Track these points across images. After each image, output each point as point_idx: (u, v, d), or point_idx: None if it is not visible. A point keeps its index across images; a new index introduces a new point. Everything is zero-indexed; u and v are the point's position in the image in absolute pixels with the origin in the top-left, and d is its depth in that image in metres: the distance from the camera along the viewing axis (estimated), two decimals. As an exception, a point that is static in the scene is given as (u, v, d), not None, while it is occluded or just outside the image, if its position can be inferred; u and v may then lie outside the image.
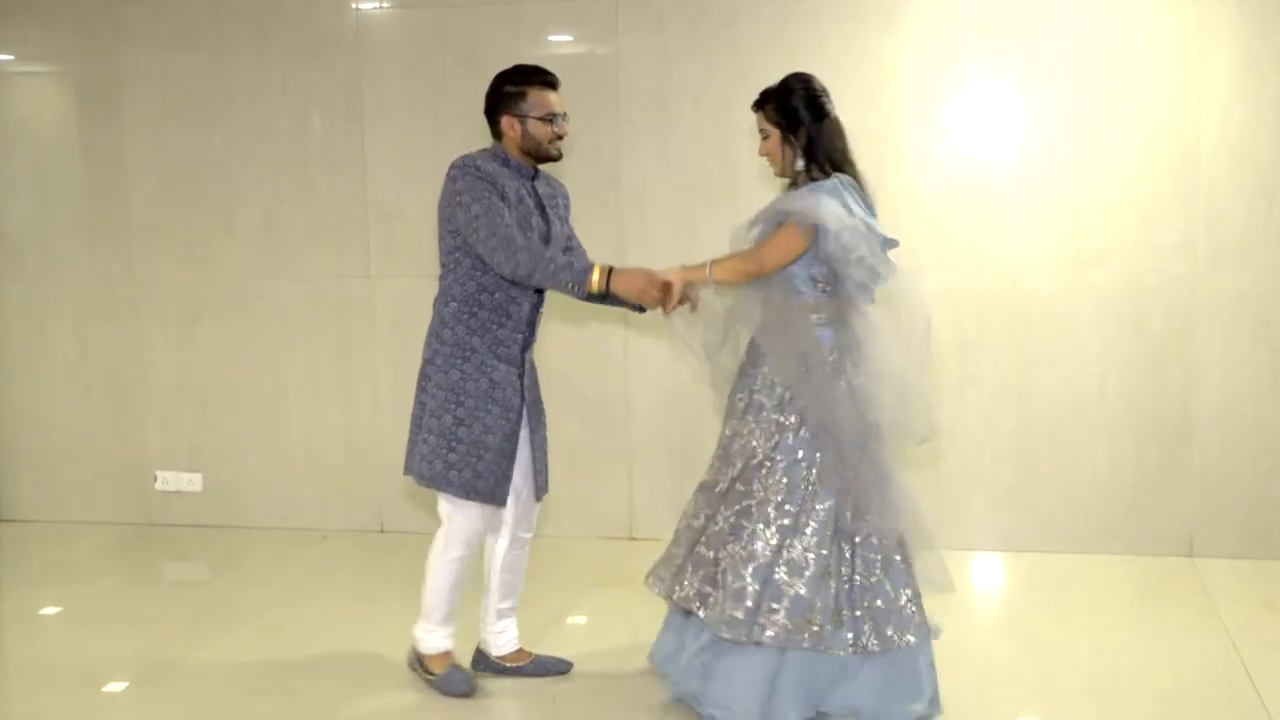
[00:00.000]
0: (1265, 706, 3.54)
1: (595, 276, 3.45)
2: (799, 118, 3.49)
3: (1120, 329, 4.94)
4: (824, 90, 3.52)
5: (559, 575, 4.89)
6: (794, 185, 3.53)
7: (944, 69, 4.97)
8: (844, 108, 4.95)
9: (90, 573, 5.15)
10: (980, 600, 4.72)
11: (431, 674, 3.79)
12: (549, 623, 4.31)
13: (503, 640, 3.87)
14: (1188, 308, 4.88)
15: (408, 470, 3.72)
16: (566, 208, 3.81)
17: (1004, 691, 3.73)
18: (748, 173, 5.11)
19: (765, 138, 3.55)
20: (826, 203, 3.37)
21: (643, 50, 5.15)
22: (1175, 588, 4.62)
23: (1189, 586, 4.63)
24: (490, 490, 3.64)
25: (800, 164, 3.51)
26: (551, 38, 5.25)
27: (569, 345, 5.34)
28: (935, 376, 5.04)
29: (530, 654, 3.90)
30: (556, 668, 3.88)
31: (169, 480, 5.75)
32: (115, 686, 3.89)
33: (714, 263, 3.49)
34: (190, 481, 5.73)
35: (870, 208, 3.52)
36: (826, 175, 3.49)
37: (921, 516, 3.48)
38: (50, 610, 4.65)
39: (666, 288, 3.48)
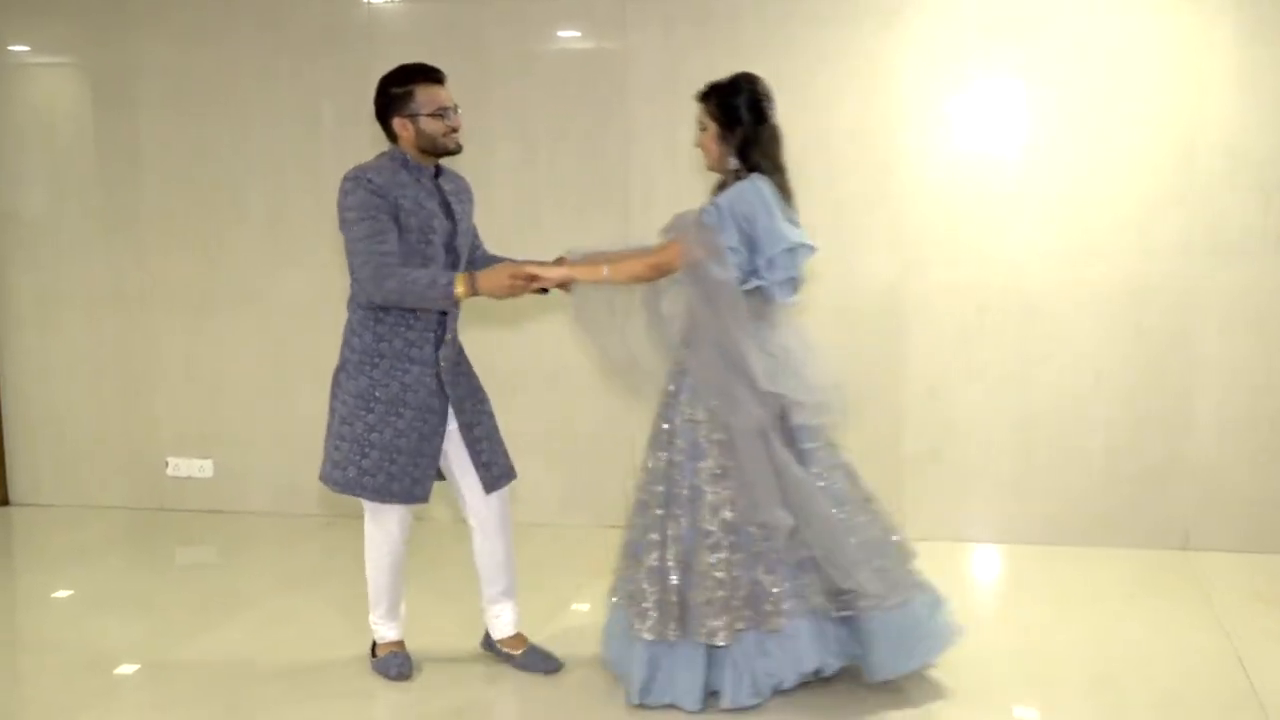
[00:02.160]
0: (1259, 698, 3.59)
1: (460, 289, 3.46)
2: (740, 117, 3.53)
3: (1119, 324, 4.97)
4: (769, 95, 3.57)
5: (563, 563, 4.95)
6: (722, 186, 3.59)
7: (945, 68, 5.00)
8: (846, 104, 5.07)
9: (102, 557, 5.21)
10: (978, 592, 4.76)
11: (374, 656, 3.90)
12: (554, 610, 4.37)
13: (500, 624, 3.92)
14: (1186, 304, 4.91)
15: (322, 477, 3.73)
16: (470, 202, 3.80)
17: (1001, 683, 3.77)
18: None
19: (703, 129, 3.59)
20: (733, 219, 3.44)
21: (650, 46, 5.18)
22: (1171, 581, 4.67)
23: (1185, 580, 4.67)
24: (406, 491, 3.67)
25: (734, 163, 3.55)
26: (560, 33, 5.29)
27: (569, 335, 5.38)
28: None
29: (526, 642, 3.92)
30: (543, 666, 3.87)
31: (180, 466, 5.81)
32: (126, 669, 3.95)
33: (611, 265, 3.54)
34: (201, 468, 5.78)
35: (792, 214, 3.57)
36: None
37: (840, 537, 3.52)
38: (63, 593, 4.72)
39: (532, 278, 3.52)
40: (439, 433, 3.68)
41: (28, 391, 5.96)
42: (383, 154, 3.67)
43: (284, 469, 5.71)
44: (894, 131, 5.04)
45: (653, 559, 3.52)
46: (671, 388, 3.58)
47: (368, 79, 5.52)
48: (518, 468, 3.90)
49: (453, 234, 3.64)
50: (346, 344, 3.66)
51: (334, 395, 3.69)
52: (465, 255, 3.73)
